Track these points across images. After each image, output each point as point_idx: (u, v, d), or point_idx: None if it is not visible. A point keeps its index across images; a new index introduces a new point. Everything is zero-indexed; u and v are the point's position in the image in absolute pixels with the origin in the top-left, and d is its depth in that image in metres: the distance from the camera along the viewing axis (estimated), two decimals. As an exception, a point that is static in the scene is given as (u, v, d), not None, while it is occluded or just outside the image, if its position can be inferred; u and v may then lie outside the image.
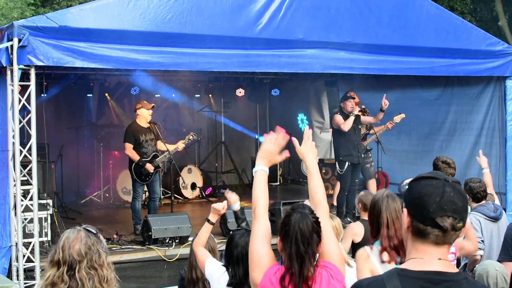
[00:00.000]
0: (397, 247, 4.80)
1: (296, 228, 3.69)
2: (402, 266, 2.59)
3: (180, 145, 11.13)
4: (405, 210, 2.62)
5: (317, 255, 3.72)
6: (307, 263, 3.64)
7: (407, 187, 2.68)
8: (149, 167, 10.87)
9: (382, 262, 4.77)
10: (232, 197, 6.30)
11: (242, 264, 4.92)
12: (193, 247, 5.63)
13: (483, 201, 7.33)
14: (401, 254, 4.78)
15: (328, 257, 3.75)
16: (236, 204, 6.33)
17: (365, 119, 12.65)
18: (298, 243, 3.66)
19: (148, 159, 10.95)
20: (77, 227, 3.30)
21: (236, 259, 4.98)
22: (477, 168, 12.97)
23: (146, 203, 12.35)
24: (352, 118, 11.98)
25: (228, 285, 5.02)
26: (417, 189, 2.56)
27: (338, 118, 12.12)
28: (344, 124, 11.91)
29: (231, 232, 5.48)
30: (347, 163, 12.02)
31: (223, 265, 5.21)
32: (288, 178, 19.07)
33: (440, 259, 2.54)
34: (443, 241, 2.53)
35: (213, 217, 5.86)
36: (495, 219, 7.20)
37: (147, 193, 12.07)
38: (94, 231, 3.28)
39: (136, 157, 10.87)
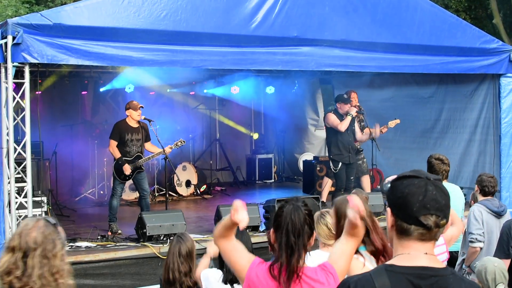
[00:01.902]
0: (380, 251, 4.83)
1: (287, 219, 3.77)
2: (390, 262, 2.61)
3: (167, 149, 11.11)
4: (388, 209, 2.64)
5: (308, 247, 3.80)
6: (296, 254, 3.70)
7: (389, 185, 2.70)
8: (126, 168, 10.81)
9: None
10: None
11: None
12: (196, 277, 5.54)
13: (490, 197, 7.39)
14: (387, 254, 4.81)
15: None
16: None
17: (356, 129, 12.68)
18: (288, 233, 3.74)
19: (130, 159, 10.91)
20: (38, 217, 3.34)
21: None
22: (471, 165, 13.04)
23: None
24: (349, 119, 12.10)
25: (224, 282, 5.05)
26: (400, 189, 2.58)
27: (333, 117, 12.21)
28: (341, 125, 12.02)
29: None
30: (340, 163, 12.14)
31: (218, 268, 5.22)
32: (283, 176, 19.11)
33: (426, 253, 2.56)
34: (428, 238, 2.57)
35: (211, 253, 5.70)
36: (498, 214, 7.24)
37: (137, 192, 12.05)
38: (53, 222, 3.30)
39: (117, 155, 10.84)
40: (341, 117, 12.16)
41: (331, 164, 12.33)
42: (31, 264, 3.08)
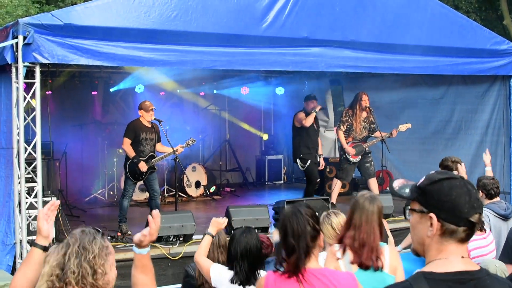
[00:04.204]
0: (357, 249, 4.87)
1: (286, 222, 3.88)
2: (427, 269, 2.57)
3: (179, 149, 11.11)
4: (432, 215, 2.56)
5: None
6: (295, 255, 3.77)
7: (419, 190, 2.64)
8: (142, 165, 10.81)
9: (351, 263, 4.84)
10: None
11: (247, 259, 5.01)
12: (195, 259, 5.65)
13: (496, 199, 7.33)
14: (362, 256, 4.84)
15: None
16: None
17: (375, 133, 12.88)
18: (287, 236, 3.84)
19: (144, 158, 10.92)
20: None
21: (240, 256, 5.06)
22: (482, 167, 12.99)
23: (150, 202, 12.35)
24: (313, 115, 12.53)
25: (231, 281, 5.06)
26: (445, 192, 2.55)
27: (301, 115, 12.64)
28: (306, 120, 12.45)
29: (231, 232, 5.51)
30: (309, 160, 12.43)
31: (228, 268, 5.23)
32: (292, 177, 19.09)
33: (463, 257, 2.56)
34: (467, 239, 2.56)
35: (213, 230, 5.86)
36: (505, 217, 7.18)
37: (147, 193, 12.06)
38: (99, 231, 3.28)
39: (132, 153, 10.82)
40: (308, 114, 12.54)
41: (299, 162, 12.60)
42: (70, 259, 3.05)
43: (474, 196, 2.54)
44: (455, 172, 7.50)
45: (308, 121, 12.42)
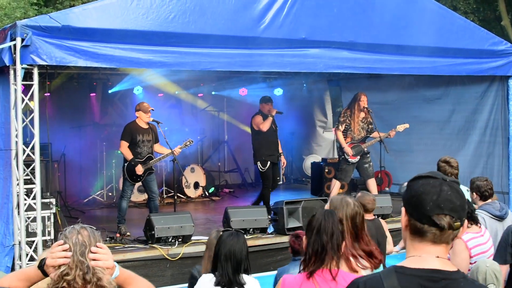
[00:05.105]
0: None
1: (319, 221, 4.11)
2: (401, 263, 2.59)
3: (177, 150, 11.11)
4: (403, 208, 2.63)
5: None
6: (329, 255, 3.96)
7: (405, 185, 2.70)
8: (139, 169, 10.83)
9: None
10: None
11: (231, 262, 5.01)
12: None
13: (490, 200, 7.32)
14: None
15: None
16: None
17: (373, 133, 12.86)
18: (321, 234, 4.04)
19: (142, 160, 10.92)
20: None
21: (224, 258, 5.06)
22: (481, 167, 13.01)
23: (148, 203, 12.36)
24: (270, 119, 12.38)
25: (215, 285, 5.05)
26: (415, 188, 2.57)
27: (258, 118, 12.49)
28: (263, 124, 12.32)
29: (220, 233, 5.49)
30: (269, 162, 12.33)
31: (211, 271, 5.22)
32: (291, 178, 19.10)
33: (438, 257, 2.54)
34: (440, 240, 2.54)
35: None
36: (501, 218, 7.17)
37: (145, 194, 12.06)
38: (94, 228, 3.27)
39: (129, 156, 10.84)
40: (265, 117, 12.43)
41: (259, 164, 12.45)
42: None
43: (445, 197, 2.50)
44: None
45: (265, 126, 12.31)
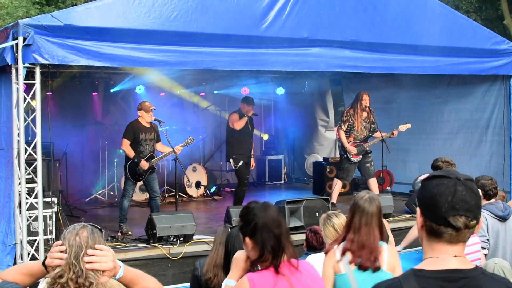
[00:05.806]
0: (356, 251, 4.91)
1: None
2: (419, 266, 2.56)
3: (178, 148, 11.11)
4: (418, 209, 2.61)
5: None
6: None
7: (420, 185, 2.67)
8: (144, 164, 10.83)
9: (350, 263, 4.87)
10: None
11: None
12: None
13: (493, 199, 7.30)
14: (361, 258, 4.90)
15: None
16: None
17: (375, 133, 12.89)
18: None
19: (144, 158, 10.92)
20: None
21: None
22: (482, 166, 12.99)
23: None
24: (245, 119, 12.46)
25: None
26: (429, 189, 2.54)
27: (235, 116, 12.59)
28: (237, 123, 12.41)
29: (229, 229, 5.45)
30: (241, 161, 12.40)
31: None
32: (293, 177, 19.10)
33: (456, 256, 2.53)
34: (457, 240, 2.52)
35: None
36: (503, 218, 7.15)
37: (147, 193, 12.07)
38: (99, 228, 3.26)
39: (131, 153, 10.84)
40: (242, 116, 12.53)
41: (231, 162, 12.54)
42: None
43: (460, 197, 2.48)
44: None
45: (239, 125, 12.38)
